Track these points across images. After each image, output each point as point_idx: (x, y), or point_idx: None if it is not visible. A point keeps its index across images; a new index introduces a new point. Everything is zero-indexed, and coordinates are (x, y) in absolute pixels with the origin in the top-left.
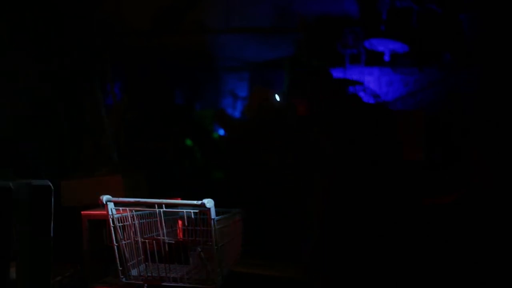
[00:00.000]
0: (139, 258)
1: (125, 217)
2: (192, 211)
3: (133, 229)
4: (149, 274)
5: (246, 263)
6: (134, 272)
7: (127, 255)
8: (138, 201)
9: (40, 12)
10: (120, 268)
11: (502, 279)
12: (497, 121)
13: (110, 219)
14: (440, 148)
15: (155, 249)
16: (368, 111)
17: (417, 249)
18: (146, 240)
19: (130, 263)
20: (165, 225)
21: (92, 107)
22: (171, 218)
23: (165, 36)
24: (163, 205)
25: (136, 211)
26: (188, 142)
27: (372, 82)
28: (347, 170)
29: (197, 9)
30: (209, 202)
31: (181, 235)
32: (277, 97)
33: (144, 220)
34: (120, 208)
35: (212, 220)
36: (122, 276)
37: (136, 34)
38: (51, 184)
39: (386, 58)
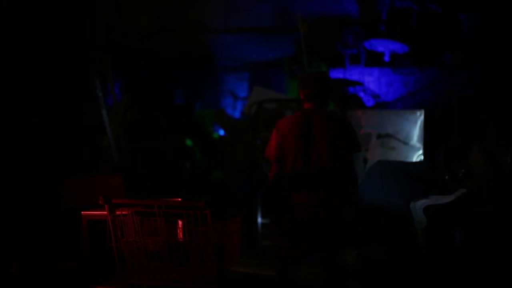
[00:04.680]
0: (139, 258)
1: (125, 217)
2: (191, 211)
3: (133, 229)
4: (149, 274)
5: (246, 263)
6: (134, 272)
7: (127, 255)
8: (138, 201)
9: (40, 13)
10: (120, 268)
11: (502, 279)
12: (496, 121)
13: (110, 219)
14: (440, 148)
15: (155, 249)
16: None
17: (418, 248)
18: (146, 240)
19: (130, 263)
20: (165, 225)
21: (93, 107)
22: (171, 218)
23: (165, 36)
24: (163, 205)
25: (136, 211)
26: (188, 142)
27: (372, 83)
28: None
29: (197, 9)
30: (208, 203)
31: (181, 235)
32: None
33: (144, 220)
34: (120, 208)
35: (212, 220)
36: (122, 276)
37: (136, 34)
38: None
39: (386, 58)
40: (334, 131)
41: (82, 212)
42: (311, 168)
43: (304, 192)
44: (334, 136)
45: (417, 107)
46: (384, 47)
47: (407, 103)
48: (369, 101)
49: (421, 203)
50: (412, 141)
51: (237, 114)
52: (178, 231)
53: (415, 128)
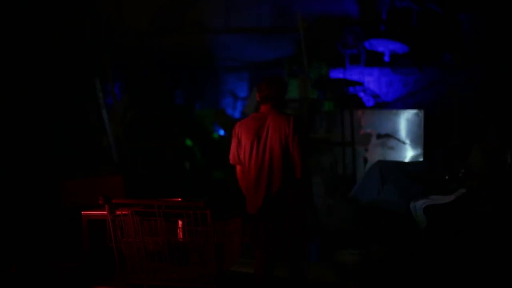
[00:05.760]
0: (139, 258)
1: (125, 217)
2: (191, 211)
3: (133, 229)
4: (149, 274)
5: (246, 263)
6: (134, 272)
7: (127, 255)
8: (138, 201)
9: (40, 13)
10: (120, 268)
11: (502, 278)
12: (496, 121)
13: (110, 219)
14: (440, 148)
15: (155, 249)
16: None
17: (418, 248)
18: (146, 240)
19: (130, 263)
20: (165, 225)
21: (93, 107)
22: (171, 218)
23: (165, 36)
24: (163, 205)
25: (136, 211)
26: (188, 142)
27: (372, 83)
28: None
29: (197, 9)
30: (208, 203)
31: (181, 235)
32: None
33: (144, 220)
34: (120, 208)
35: (212, 220)
36: (122, 276)
37: (136, 34)
38: None
39: (386, 58)
40: (285, 129)
41: (82, 212)
42: (265, 167)
43: (260, 191)
44: (286, 134)
45: (417, 107)
46: (384, 47)
47: (407, 103)
48: (369, 101)
49: (421, 203)
50: (412, 141)
51: (237, 114)
52: (178, 231)
53: (415, 128)
